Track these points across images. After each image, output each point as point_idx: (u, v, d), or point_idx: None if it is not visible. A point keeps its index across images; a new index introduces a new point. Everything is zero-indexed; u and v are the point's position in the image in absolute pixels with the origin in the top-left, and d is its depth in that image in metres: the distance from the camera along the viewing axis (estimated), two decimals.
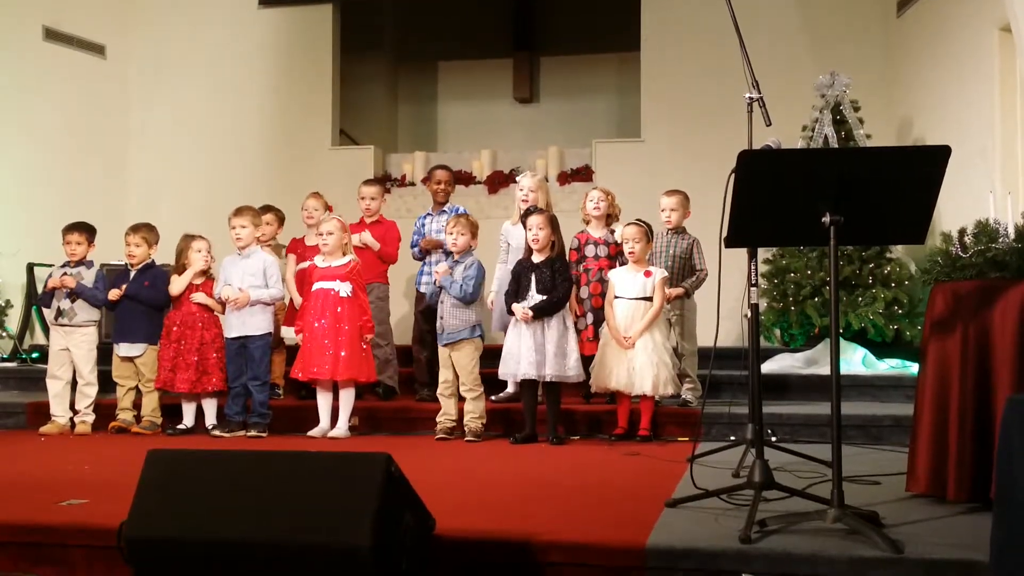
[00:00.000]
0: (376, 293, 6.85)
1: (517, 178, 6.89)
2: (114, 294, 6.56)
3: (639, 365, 5.77)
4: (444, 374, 6.08)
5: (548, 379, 5.85)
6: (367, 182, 7.37)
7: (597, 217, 6.45)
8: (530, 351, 5.82)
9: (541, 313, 5.85)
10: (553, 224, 6.02)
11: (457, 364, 6.04)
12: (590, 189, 6.74)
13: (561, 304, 5.90)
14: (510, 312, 5.97)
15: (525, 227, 6.09)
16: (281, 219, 7.41)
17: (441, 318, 6.09)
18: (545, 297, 5.85)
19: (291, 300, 6.97)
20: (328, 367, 6.09)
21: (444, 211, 7.05)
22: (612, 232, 6.45)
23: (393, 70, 12.05)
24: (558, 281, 5.89)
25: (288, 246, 7.26)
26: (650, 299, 5.89)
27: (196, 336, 6.38)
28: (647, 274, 5.94)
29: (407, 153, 10.49)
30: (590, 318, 6.25)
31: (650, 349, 5.79)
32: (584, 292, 6.29)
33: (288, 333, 6.78)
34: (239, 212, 6.46)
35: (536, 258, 5.97)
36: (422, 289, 6.99)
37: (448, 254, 6.39)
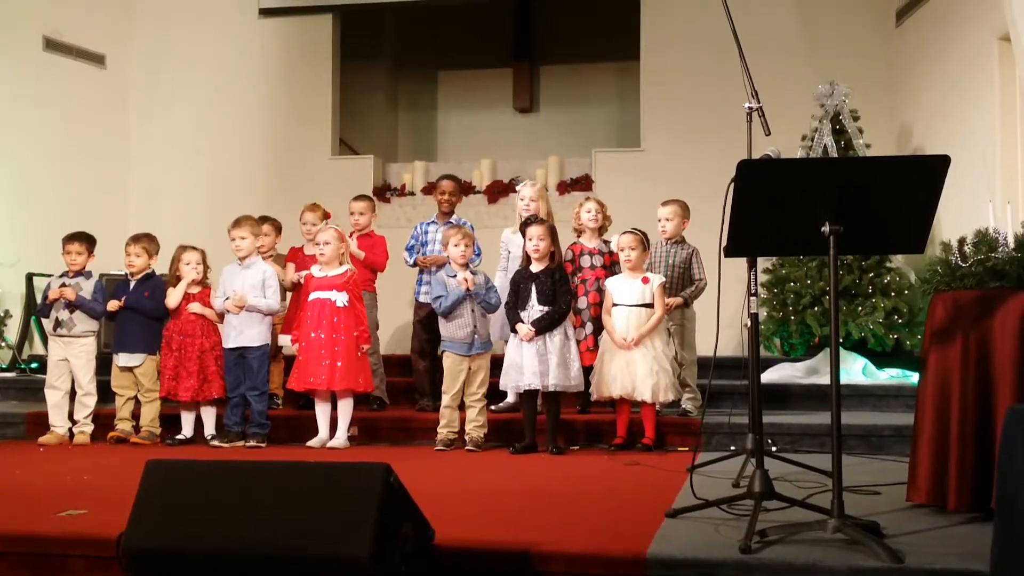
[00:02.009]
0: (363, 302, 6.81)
1: (517, 187, 6.88)
2: (113, 305, 6.56)
3: (640, 372, 5.77)
4: (454, 385, 6.00)
5: (551, 389, 5.82)
6: (357, 198, 7.32)
7: (593, 228, 6.45)
8: (533, 361, 5.80)
9: (543, 329, 5.84)
10: (553, 235, 6.02)
11: (479, 373, 6.03)
12: (583, 200, 6.72)
13: (563, 317, 5.90)
14: (513, 329, 5.95)
15: (524, 236, 6.08)
16: (278, 229, 7.40)
17: (473, 327, 6.01)
18: (547, 309, 5.85)
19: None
20: (324, 377, 6.07)
21: (450, 222, 7.03)
22: (607, 242, 6.45)
23: (393, 79, 12.05)
24: (559, 292, 5.89)
25: (287, 255, 7.26)
26: (648, 305, 5.89)
27: (196, 344, 6.39)
28: (645, 280, 5.94)
29: (407, 163, 10.48)
30: (589, 328, 6.23)
31: (650, 356, 5.79)
32: (582, 303, 6.27)
33: (284, 341, 6.77)
34: (238, 223, 6.47)
35: (535, 268, 5.97)
36: (421, 299, 6.97)
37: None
